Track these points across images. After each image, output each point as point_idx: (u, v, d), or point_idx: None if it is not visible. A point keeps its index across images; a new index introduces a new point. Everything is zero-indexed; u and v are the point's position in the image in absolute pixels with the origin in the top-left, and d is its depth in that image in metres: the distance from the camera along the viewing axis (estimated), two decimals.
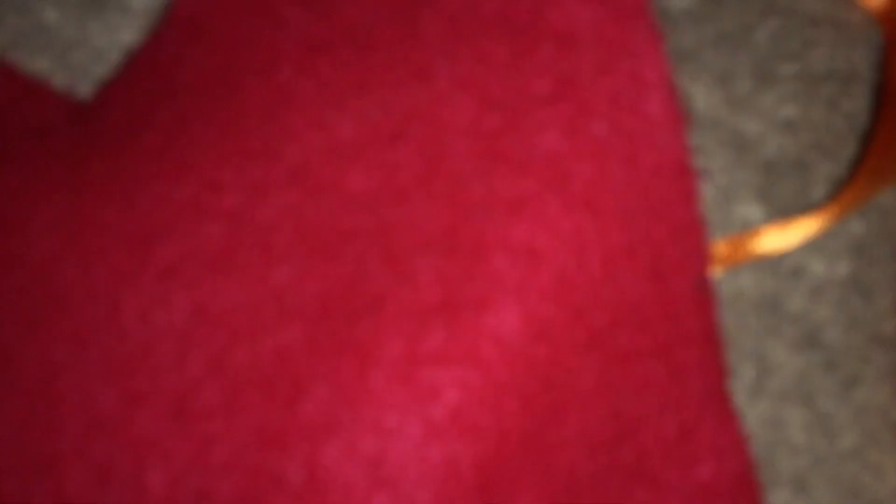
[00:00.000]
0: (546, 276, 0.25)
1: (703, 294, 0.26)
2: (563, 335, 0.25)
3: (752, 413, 0.27)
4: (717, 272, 0.28)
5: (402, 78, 0.27)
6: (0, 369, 0.23)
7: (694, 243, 0.26)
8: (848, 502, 0.27)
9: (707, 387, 0.26)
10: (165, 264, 0.25)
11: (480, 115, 0.26)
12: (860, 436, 0.28)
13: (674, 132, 0.26)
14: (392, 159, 0.26)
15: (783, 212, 0.30)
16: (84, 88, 0.30)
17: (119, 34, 0.31)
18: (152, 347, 0.24)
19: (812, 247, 0.30)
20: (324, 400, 0.23)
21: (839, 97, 0.32)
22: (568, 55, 0.26)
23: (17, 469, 0.23)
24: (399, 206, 0.26)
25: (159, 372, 0.24)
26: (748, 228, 0.29)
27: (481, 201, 0.26)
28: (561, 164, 0.26)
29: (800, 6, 0.33)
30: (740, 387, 0.28)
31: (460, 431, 0.23)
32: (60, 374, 0.24)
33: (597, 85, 0.26)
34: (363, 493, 0.23)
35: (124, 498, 0.23)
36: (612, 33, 0.26)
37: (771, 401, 0.28)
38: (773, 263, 0.29)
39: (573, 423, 0.24)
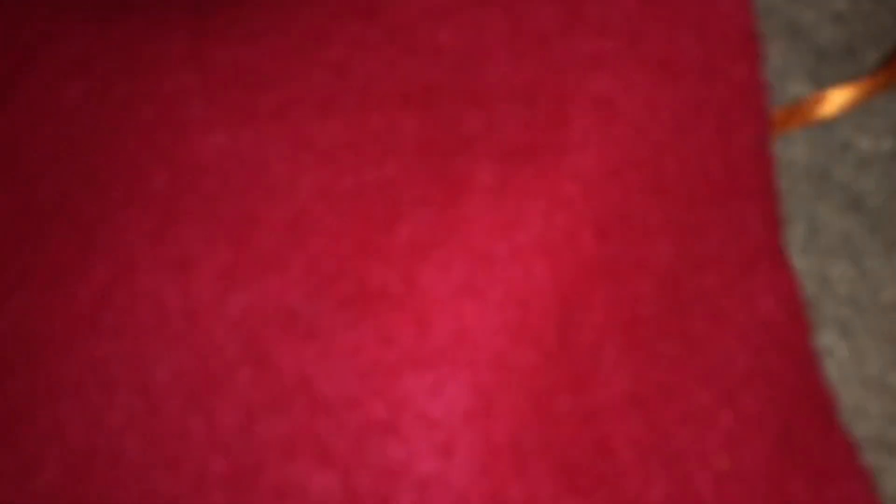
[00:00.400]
0: (621, 125, 0.27)
1: (763, 152, 0.28)
2: (635, 178, 0.27)
3: (803, 266, 0.30)
4: (773, 140, 0.30)
5: None
6: (132, 185, 0.26)
7: (756, 105, 0.28)
8: (886, 347, 0.29)
9: (764, 235, 0.28)
10: (277, 104, 0.27)
11: None
12: None
13: (740, 1, 0.28)
14: (480, 19, 0.28)
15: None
16: None
17: None
18: (267, 172, 0.26)
19: (859, 124, 0.32)
20: (420, 223, 0.26)
21: None
22: None
23: (153, 265, 0.26)
24: (487, 62, 0.28)
25: (274, 193, 0.26)
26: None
27: (563, 58, 0.28)
28: (637, 26, 0.28)
29: None
30: (792, 243, 0.30)
31: (543, 253, 0.25)
32: (185, 196, 0.26)
33: None
34: (456, 304, 0.25)
35: (247, 299, 0.25)
36: None
37: (819, 256, 0.30)
38: (823, 138, 0.31)
39: (641, 256, 0.27)
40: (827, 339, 0.29)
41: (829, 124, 0.32)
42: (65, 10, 0.28)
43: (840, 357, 0.29)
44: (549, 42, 0.28)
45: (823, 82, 0.32)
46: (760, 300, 0.27)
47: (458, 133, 0.27)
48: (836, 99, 0.30)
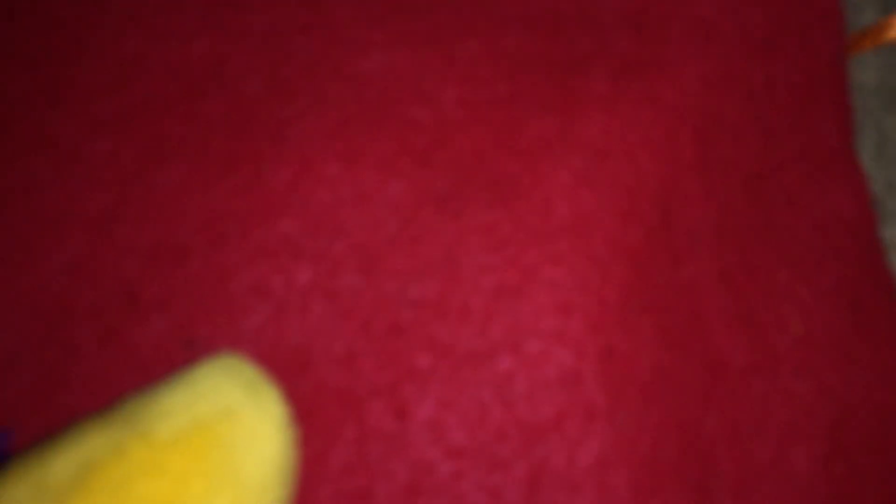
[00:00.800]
0: (718, 43, 0.31)
1: (839, 70, 0.32)
2: (728, 88, 0.31)
3: (871, 171, 0.34)
4: (848, 59, 0.34)
5: None
6: (312, 95, 0.31)
7: (834, 28, 0.32)
8: None
9: (838, 141, 0.32)
10: (428, 29, 0.32)
11: None
12: None
13: None
14: None
15: None
16: None
17: None
18: (419, 84, 0.31)
19: None
20: (545, 126, 0.30)
21: None
22: None
23: (330, 158, 0.31)
24: None
25: (424, 102, 0.31)
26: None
27: None
28: None
29: None
30: (863, 151, 0.34)
31: (648, 151, 0.30)
32: (353, 104, 0.31)
33: None
34: (575, 191, 0.30)
35: (405, 185, 0.30)
36: None
37: (886, 163, 0.34)
38: (892, 59, 0.35)
39: (732, 155, 0.31)
40: (891, 233, 0.33)
41: None
42: None
43: None
44: None
45: (892, 10, 0.36)
46: (834, 195, 0.31)
47: (577, 52, 0.31)
48: None
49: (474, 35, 0.32)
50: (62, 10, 0.31)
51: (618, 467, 0.28)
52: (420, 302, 0.29)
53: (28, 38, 0.29)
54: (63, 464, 0.21)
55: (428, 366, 0.29)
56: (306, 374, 0.28)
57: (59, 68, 0.29)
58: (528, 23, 0.32)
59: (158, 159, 0.29)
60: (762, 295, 0.31)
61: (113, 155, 0.29)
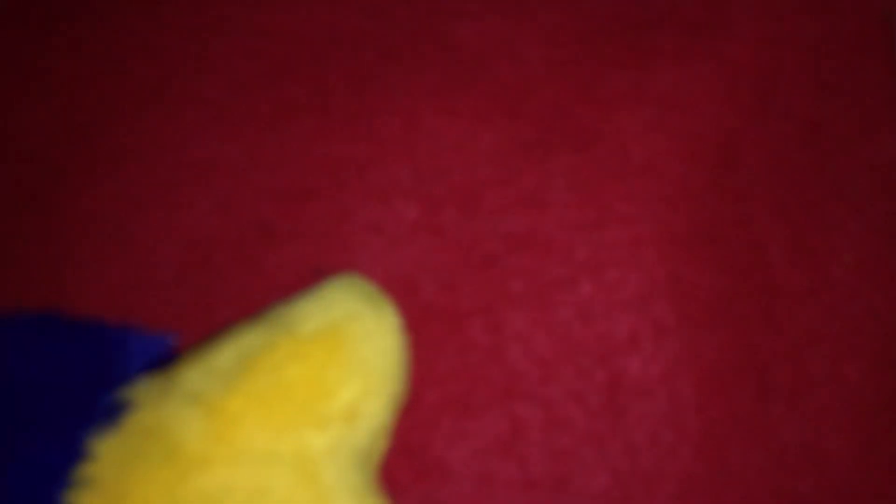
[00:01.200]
0: (776, 5, 0.34)
1: (889, 23, 0.35)
2: (787, 44, 0.34)
3: None
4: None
5: None
6: (415, 57, 0.35)
7: None
8: None
9: (889, 90, 0.35)
10: (492, 1, 0.36)
11: None
12: None
13: None
14: None
15: None
16: None
17: None
18: (510, 46, 0.35)
19: None
20: (620, 80, 0.34)
21: None
22: None
23: (431, 111, 0.35)
24: None
25: (512, 61, 0.35)
26: None
27: None
28: None
29: None
30: None
31: (713, 102, 0.34)
32: (451, 65, 0.36)
33: None
34: (648, 136, 0.33)
35: (496, 135, 0.34)
36: None
37: None
38: None
39: (790, 105, 0.34)
40: None
41: None
42: None
43: None
44: None
45: None
46: (884, 139, 0.34)
47: (648, 15, 0.35)
48: None
49: (556, 2, 0.36)
50: None
51: (685, 376, 0.32)
52: (511, 235, 0.33)
53: (180, 11, 0.34)
54: (226, 354, 0.26)
55: (519, 290, 0.33)
56: (414, 297, 0.33)
57: (208, 37, 0.34)
58: None
59: (288, 115, 0.34)
60: (816, 228, 0.34)
61: (250, 111, 0.34)
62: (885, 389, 0.33)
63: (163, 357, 0.28)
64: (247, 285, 0.32)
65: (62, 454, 0.24)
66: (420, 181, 0.34)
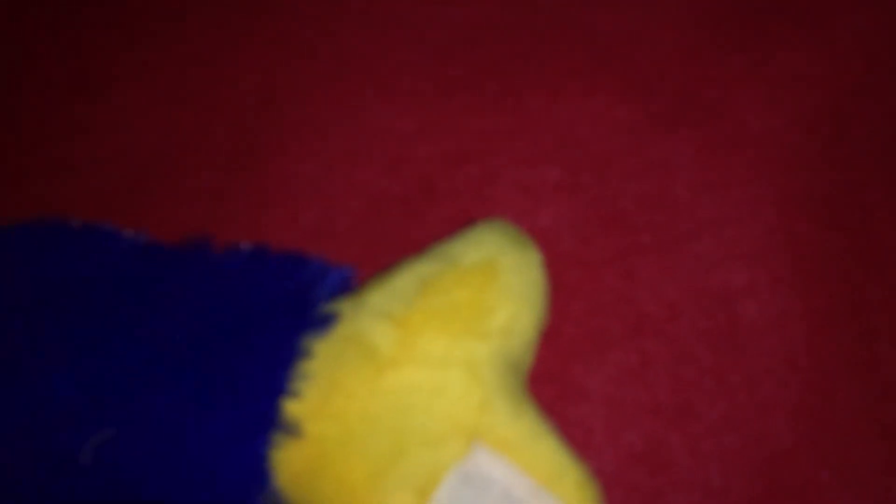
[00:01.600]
0: None
1: None
2: (884, 32, 0.38)
3: None
4: None
5: None
6: (557, 40, 0.40)
7: None
8: None
9: None
10: None
11: None
12: None
13: None
14: None
15: None
16: None
17: None
18: (618, 14, 0.39)
19: None
20: (740, 62, 0.38)
21: None
22: None
23: (559, 88, 0.40)
24: None
25: (609, 36, 0.39)
26: None
27: None
28: None
29: None
30: None
31: (826, 81, 0.37)
32: (582, 47, 0.40)
33: None
34: (764, 112, 0.37)
35: (604, 101, 0.39)
36: None
37: None
38: None
39: (888, 84, 0.38)
40: None
41: None
42: None
43: None
44: None
45: None
46: None
47: (764, 3, 0.39)
48: None
49: None
50: None
51: (797, 320, 0.36)
52: (642, 195, 0.38)
53: (359, 4, 0.40)
54: (402, 280, 0.31)
55: (648, 242, 0.37)
56: (555, 247, 0.37)
57: (382, 26, 0.40)
58: None
59: (448, 91, 0.39)
60: None
61: (416, 89, 0.39)
62: None
63: (346, 286, 0.33)
64: (412, 233, 0.37)
65: (289, 351, 0.30)
66: (561, 148, 0.39)
